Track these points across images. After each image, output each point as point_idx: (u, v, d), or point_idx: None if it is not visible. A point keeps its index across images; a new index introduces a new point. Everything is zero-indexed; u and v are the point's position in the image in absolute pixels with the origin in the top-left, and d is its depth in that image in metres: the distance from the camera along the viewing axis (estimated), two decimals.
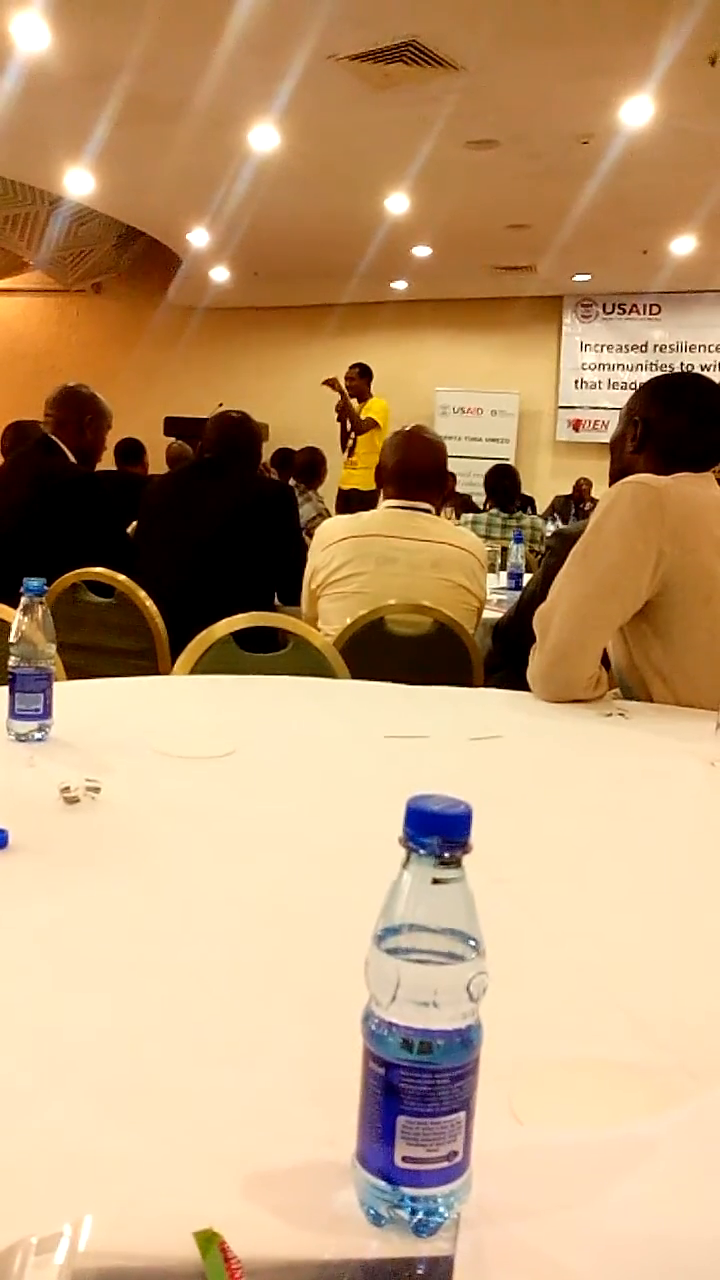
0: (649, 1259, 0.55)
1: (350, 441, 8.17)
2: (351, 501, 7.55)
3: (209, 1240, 0.53)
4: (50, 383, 3.46)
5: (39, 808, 1.17)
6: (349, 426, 8.17)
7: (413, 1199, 0.55)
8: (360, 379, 8.24)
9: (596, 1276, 0.53)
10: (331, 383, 8.08)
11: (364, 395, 8.22)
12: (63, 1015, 0.76)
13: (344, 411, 8.12)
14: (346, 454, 8.08)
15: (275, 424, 9.37)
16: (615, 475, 1.95)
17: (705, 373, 10.64)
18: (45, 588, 1.47)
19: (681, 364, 11.27)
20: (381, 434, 8.07)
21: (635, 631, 1.85)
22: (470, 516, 6.02)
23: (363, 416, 8.17)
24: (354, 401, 8.17)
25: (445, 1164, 0.55)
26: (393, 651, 2.47)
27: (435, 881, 0.55)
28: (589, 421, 11.86)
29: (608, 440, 2.15)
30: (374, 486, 7.68)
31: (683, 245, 9.31)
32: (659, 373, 2.12)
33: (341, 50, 5.64)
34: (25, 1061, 0.70)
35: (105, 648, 2.85)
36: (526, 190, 7.98)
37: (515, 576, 4.30)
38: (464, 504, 7.40)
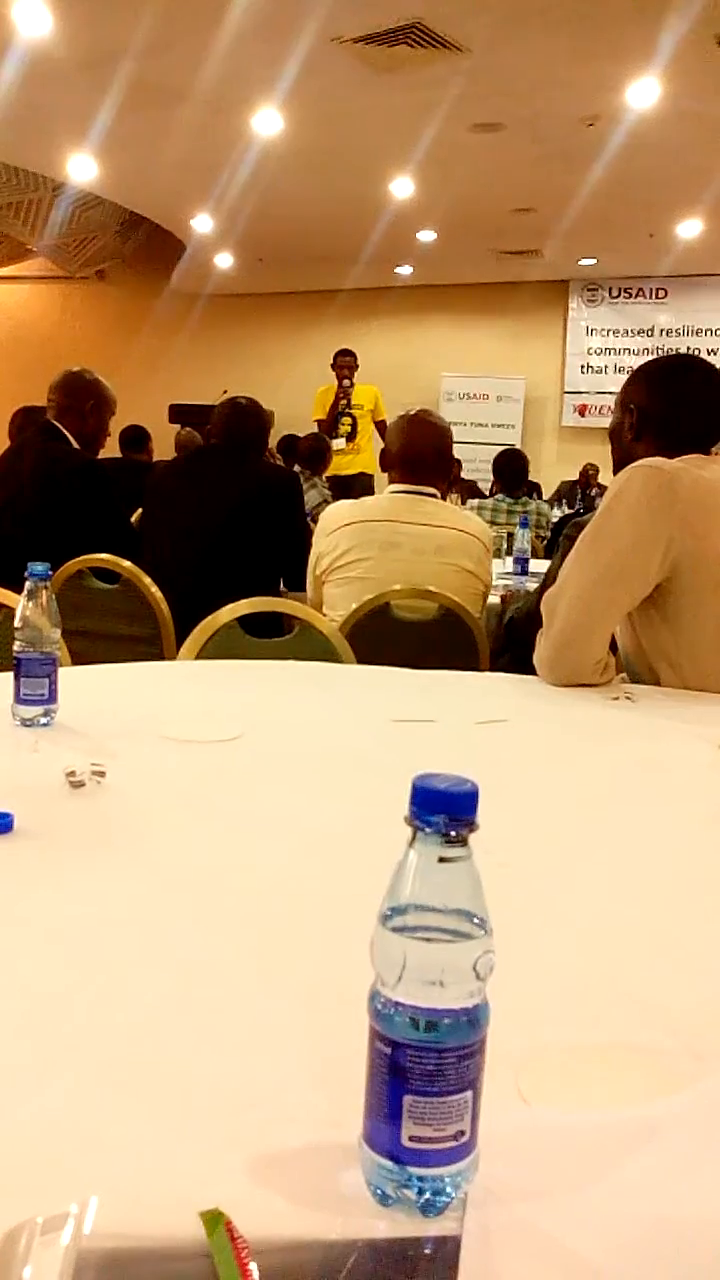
0: (655, 1239, 0.55)
1: (346, 428, 8.16)
2: (354, 487, 7.55)
3: (215, 1220, 0.52)
4: (54, 370, 3.45)
5: (44, 792, 1.17)
6: (346, 427, 8.17)
7: (419, 1179, 0.55)
8: (354, 364, 8.26)
9: (603, 1256, 0.53)
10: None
11: (353, 380, 8.24)
12: (68, 998, 0.76)
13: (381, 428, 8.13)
14: (345, 440, 8.07)
15: (279, 410, 9.34)
16: (618, 464, 1.95)
17: (711, 356, 10.64)
18: (50, 573, 1.46)
19: (688, 348, 11.22)
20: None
21: (644, 616, 1.84)
22: (476, 502, 6.01)
23: (359, 403, 8.19)
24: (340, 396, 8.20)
25: (452, 1144, 0.55)
26: (398, 636, 2.47)
27: (441, 860, 0.54)
28: (595, 407, 11.82)
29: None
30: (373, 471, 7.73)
31: (689, 228, 9.26)
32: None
33: (345, 33, 5.61)
34: (31, 1044, 0.70)
35: (111, 634, 2.85)
36: (532, 174, 7.94)
37: (521, 561, 4.30)
38: (470, 490, 7.38)
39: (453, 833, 0.54)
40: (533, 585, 3.99)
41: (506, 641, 2.83)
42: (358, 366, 8.28)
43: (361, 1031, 0.56)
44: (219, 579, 2.75)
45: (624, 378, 2.05)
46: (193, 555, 3.08)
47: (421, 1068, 0.54)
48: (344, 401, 8.20)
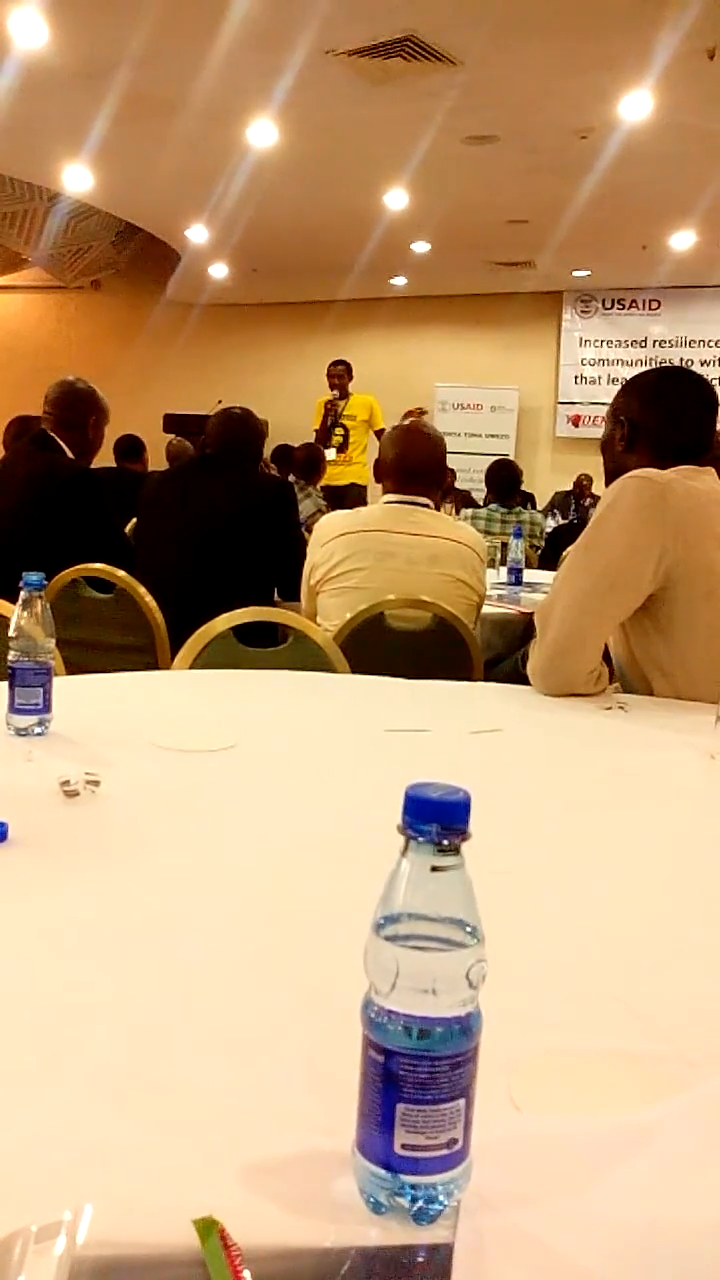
0: (648, 1245, 0.55)
1: (339, 438, 8.19)
2: (346, 498, 7.58)
3: (209, 1228, 0.53)
4: (49, 380, 3.46)
5: (39, 801, 1.17)
6: (338, 438, 8.19)
7: (412, 1187, 0.55)
8: (347, 375, 8.29)
9: (596, 1263, 0.53)
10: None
11: (346, 391, 8.27)
12: (63, 1006, 0.76)
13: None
14: (335, 450, 8.09)
15: (274, 420, 9.38)
16: (610, 476, 1.95)
17: (704, 368, 10.66)
18: (44, 582, 1.47)
19: (681, 359, 11.26)
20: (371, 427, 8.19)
21: (636, 626, 1.85)
22: (470, 512, 6.02)
23: (352, 413, 8.23)
24: (341, 401, 8.22)
25: (445, 1151, 0.55)
26: (392, 646, 2.47)
27: (434, 869, 0.55)
28: (588, 417, 11.86)
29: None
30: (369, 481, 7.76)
31: (682, 240, 9.31)
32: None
33: (340, 45, 5.63)
34: (25, 1052, 0.70)
35: (105, 644, 2.85)
36: (525, 185, 7.97)
37: (515, 572, 4.30)
38: (464, 500, 7.39)
39: (445, 842, 0.55)
40: (526, 595, 4.00)
41: None
42: (351, 377, 8.31)
43: (355, 1039, 0.56)
44: (213, 589, 2.76)
45: (617, 389, 2.06)
46: (187, 565, 3.08)
47: (414, 1076, 0.54)
48: (332, 414, 8.24)
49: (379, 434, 8.10)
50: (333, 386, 8.28)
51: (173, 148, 7.36)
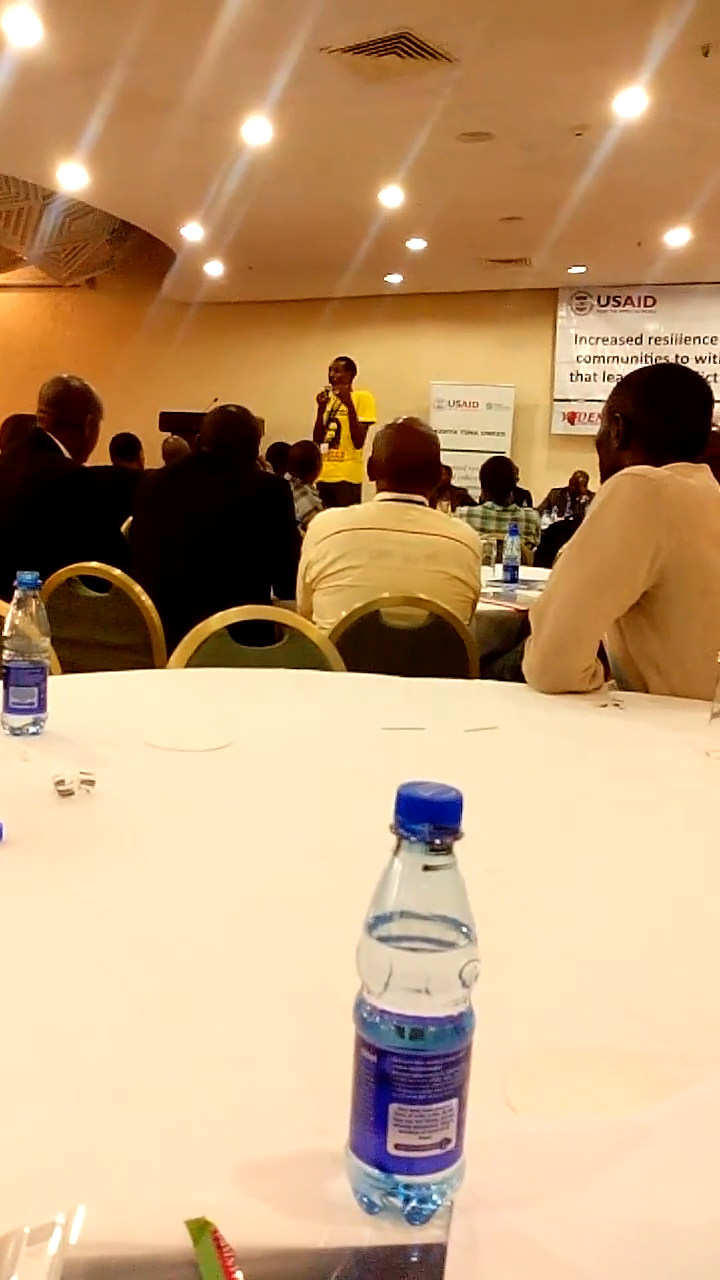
0: (643, 1246, 0.55)
1: (332, 433, 8.19)
2: (337, 495, 7.58)
3: (201, 1229, 0.52)
4: (44, 379, 3.45)
5: (33, 801, 1.17)
6: (331, 433, 8.20)
7: (406, 1186, 0.55)
8: (346, 371, 8.29)
9: (590, 1263, 0.53)
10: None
11: (347, 387, 8.28)
12: (57, 1007, 0.76)
13: (352, 422, 8.15)
14: (328, 445, 8.09)
15: (270, 418, 9.38)
16: (605, 472, 1.96)
17: (699, 364, 10.65)
18: (39, 581, 1.46)
19: (676, 356, 11.27)
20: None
21: (632, 623, 1.85)
22: (465, 509, 6.01)
23: (346, 410, 8.23)
24: (340, 401, 8.22)
25: (438, 1151, 0.55)
26: (388, 644, 2.47)
27: (426, 868, 0.55)
28: (584, 414, 11.86)
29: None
30: (360, 479, 7.76)
31: (677, 237, 9.31)
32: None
33: (335, 43, 5.63)
34: (19, 1052, 0.70)
35: (101, 642, 2.85)
36: (520, 182, 7.97)
37: (511, 569, 4.30)
38: (460, 497, 7.40)
39: (437, 841, 0.54)
40: (522, 592, 4.00)
41: None
42: (353, 374, 8.30)
43: (349, 1039, 0.56)
44: (209, 587, 2.75)
45: (613, 385, 2.06)
46: (183, 563, 3.08)
47: (407, 1076, 0.54)
48: (325, 409, 8.25)
49: (357, 427, 8.10)
50: (331, 381, 8.28)
51: (168, 146, 7.35)
